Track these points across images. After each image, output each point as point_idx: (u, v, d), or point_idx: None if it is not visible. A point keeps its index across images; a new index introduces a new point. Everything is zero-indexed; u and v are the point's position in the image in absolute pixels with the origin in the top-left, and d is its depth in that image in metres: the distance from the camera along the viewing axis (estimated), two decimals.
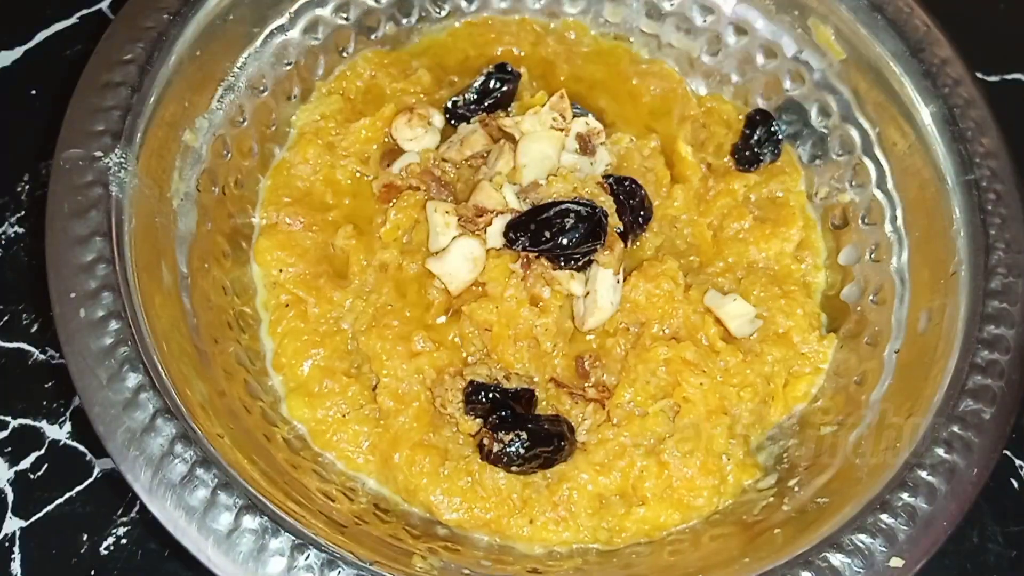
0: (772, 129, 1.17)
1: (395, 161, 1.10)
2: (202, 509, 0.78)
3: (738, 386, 1.02)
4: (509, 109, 1.15)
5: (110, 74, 0.94)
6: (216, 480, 0.79)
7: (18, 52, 1.33)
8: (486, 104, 1.14)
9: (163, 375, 0.83)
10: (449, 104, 1.16)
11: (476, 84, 1.15)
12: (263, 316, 1.05)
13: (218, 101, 1.05)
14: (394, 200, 1.07)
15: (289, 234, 1.07)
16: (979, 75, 1.08)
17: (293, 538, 0.78)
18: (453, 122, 1.15)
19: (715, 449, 0.99)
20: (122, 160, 0.90)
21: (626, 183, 1.07)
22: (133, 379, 0.81)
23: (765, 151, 1.16)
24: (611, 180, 1.06)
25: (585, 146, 1.07)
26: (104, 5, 1.38)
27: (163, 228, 0.96)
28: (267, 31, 1.10)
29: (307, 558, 0.77)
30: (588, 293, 1.01)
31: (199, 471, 0.79)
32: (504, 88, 1.15)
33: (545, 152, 1.05)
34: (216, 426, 0.85)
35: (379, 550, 0.84)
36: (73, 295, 0.84)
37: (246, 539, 0.77)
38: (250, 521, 0.78)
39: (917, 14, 1.08)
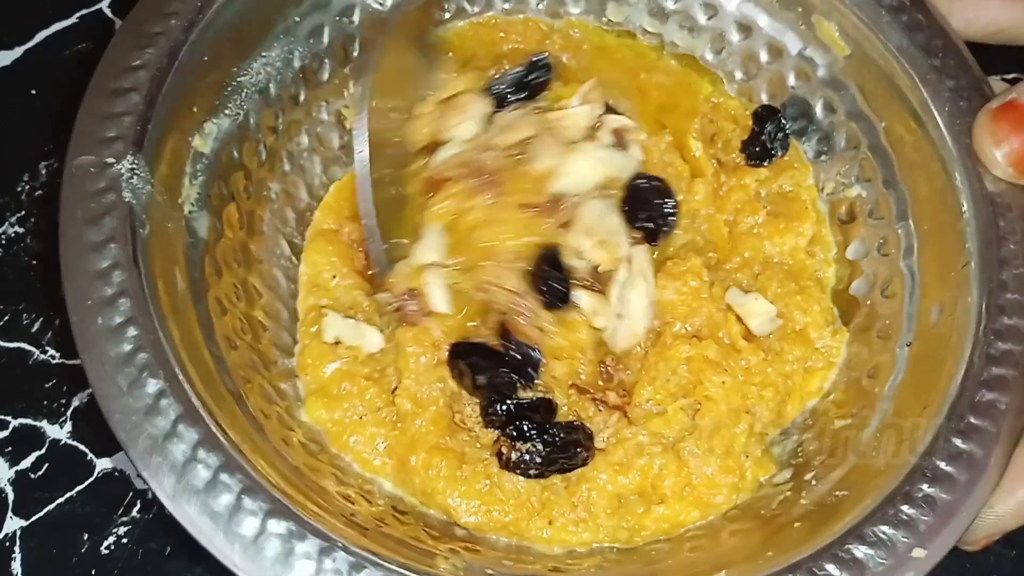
0: (781, 123, 1.16)
1: (434, 153, 1.08)
2: (227, 515, 0.77)
3: (759, 385, 1.01)
4: (539, 98, 1.14)
5: (119, 80, 0.94)
6: (240, 485, 0.78)
7: (18, 52, 1.33)
8: (522, 96, 1.13)
9: (182, 380, 0.83)
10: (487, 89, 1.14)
11: (514, 74, 1.14)
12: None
13: (227, 106, 1.05)
14: (433, 194, 1.06)
15: (345, 244, 1.09)
16: None
17: (320, 541, 0.77)
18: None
19: (735, 447, 0.99)
20: (134, 166, 0.90)
21: (655, 182, 1.06)
22: (153, 385, 0.81)
23: (776, 145, 1.16)
24: (641, 181, 1.05)
25: (621, 140, 1.07)
26: (104, 5, 1.37)
27: (176, 233, 0.95)
28: (273, 36, 1.10)
29: (334, 561, 0.77)
30: (620, 315, 1.00)
31: (223, 476, 0.78)
32: (540, 80, 1.14)
33: (586, 173, 1.04)
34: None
35: (402, 551, 0.84)
36: (90, 302, 0.83)
37: (272, 543, 0.77)
38: (275, 525, 0.77)
39: (920, 8, 1.08)
